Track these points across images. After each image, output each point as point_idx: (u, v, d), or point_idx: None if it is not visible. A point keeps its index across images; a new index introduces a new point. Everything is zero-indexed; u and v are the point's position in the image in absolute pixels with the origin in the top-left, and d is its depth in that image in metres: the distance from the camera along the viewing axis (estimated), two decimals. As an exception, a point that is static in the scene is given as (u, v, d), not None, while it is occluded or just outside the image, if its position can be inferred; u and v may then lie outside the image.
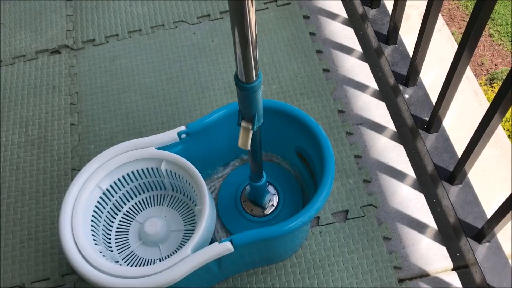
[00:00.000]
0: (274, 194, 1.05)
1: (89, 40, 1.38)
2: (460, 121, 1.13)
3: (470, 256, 0.93)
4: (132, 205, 1.01)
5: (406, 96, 1.11)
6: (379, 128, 1.15)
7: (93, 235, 0.88)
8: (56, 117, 1.25)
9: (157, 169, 0.95)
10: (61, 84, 1.31)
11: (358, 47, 1.29)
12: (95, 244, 0.87)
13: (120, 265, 0.92)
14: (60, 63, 1.34)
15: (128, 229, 0.99)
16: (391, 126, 1.15)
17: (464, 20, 2.54)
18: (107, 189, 0.93)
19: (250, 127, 0.74)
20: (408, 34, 1.25)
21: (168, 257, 0.92)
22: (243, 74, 0.66)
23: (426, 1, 0.95)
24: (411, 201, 1.05)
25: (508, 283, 0.89)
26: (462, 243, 0.96)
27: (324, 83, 1.23)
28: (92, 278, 0.79)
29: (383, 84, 1.21)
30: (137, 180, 0.97)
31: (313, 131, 0.91)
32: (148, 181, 0.99)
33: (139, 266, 0.94)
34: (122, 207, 1.00)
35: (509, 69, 0.93)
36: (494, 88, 2.29)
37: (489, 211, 0.90)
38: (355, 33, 1.31)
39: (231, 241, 0.80)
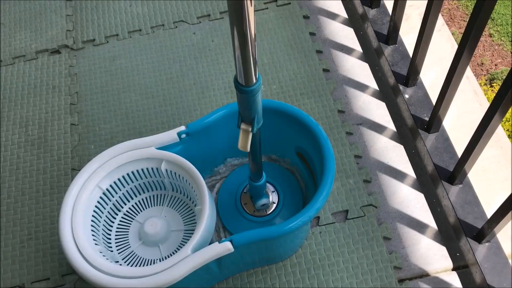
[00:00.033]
0: (273, 191, 1.05)
1: (89, 40, 1.38)
2: (460, 121, 1.13)
3: (470, 256, 0.93)
4: (132, 205, 1.01)
5: (406, 96, 1.11)
6: (379, 128, 1.15)
7: (93, 235, 0.88)
8: (56, 117, 1.25)
9: (157, 169, 0.95)
10: (61, 84, 1.31)
11: (358, 47, 1.29)
12: (95, 244, 0.87)
13: (120, 265, 0.92)
14: (60, 63, 1.34)
15: (128, 229, 0.99)
16: (391, 126, 1.16)
17: (464, 20, 2.54)
18: (107, 189, 0.93)
19: (250, 129, 0.74)
20: (408, 34, 1.25)
21: (168, 257, 0.92)
22: (242, 78, 0.66)
23: (426, 1, 0.95)
24: (411, 201, 1.05)
25: (508, 283, 0.89)
26: (462, 243, 0.96)
27: (324, 83, 1.23)
28: (92, 278, 0.79)
29: (383, 84, 1.21)
30: (137, 180, 0.97)
31: (313, 131, 0.91)
32: (148, 181, 0.99)
33: (139, 266, 0.94)
34: (122, 207, 1.00)
35: (509, 69, 0.93)
36: (494, 88, 2.29)
37: (489, 211, 0.90)
38: (355, 33, 1.31)
39: (231, 241, 0.80)
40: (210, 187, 1.08)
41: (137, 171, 0.95)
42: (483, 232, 0.91)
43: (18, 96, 1.30)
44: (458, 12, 2.57)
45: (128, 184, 0.97)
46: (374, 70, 1.24)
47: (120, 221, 0.99)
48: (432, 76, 1.19)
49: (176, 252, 0.94)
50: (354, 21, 1.34)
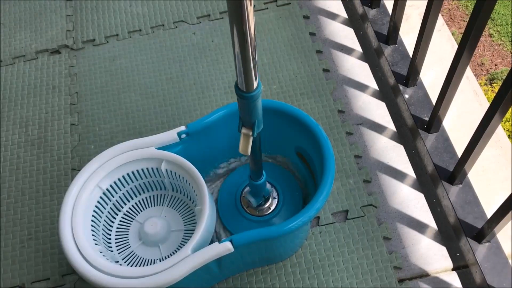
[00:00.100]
0: (274, 198, 1.05)
1: (89, 40, 1.38)
2: (460, 121, 1.13)
3: (470, 256, 0.93)
4: (132, 205, 1.01)
5: (406, 96, 1.11)
6: (379, 128, 1.15)
7: (93, 235, 0.88)
8: (56, 117, 1.25)
9: (157, 169, 0.95)
10: (61, 84, 1.31)
11: (358, 47, 1.29)
12: (95, 244, 0.87)
13: (120, 265, 0.92)
14: (60, 63, 1.34)
15: (128, 229, 0.99)
16: (391, 126, 1.16)
17: (464, 20, 2.54)
18: (107, 189, 0.93)
19: (250, 133, 0.75)
20: (408, 34, 1.25)
21: (168, 257, 0.92)
22: (243, 84, 0.67)
23: (426, 1, 0.95)
24: (411, 201, 1.05)
25: (508, 283, 0.89)
26: (462, 243, 0.96)
27: (324, 83, 1.23)
28: (92, 278, 0.79)
29: (383, 84, 1.21)
30: (137, 180, 0.97)
31: (313, 131, 0.91)
32: (148, 181, 0.99)
33: (139, 266, 0.94)
34: (122, 207, 1.00)
35: (509, 69, 0.93)
36: (494, 88, 2.29)
37: (489, 211, 0.90)
38: (355, 33, 1.31)
39: (231, 241, 0.80)
40: (210, 187, 1.08)
41: (137, 171, 0.95)
42: (483, 232, 0.91)
43: (18, 96, 1.30)
44: (458, 12, 2.57)
45: (128, 184, 0.97)
46: (374, 70, 1.24)
47: (120, 221, 0.99)
48: (432, 76, 1.19)
49: (176, 252, 0.94)
50: (354, 21, 1.34)
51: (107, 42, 1.37)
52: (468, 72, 1.22)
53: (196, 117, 1.21)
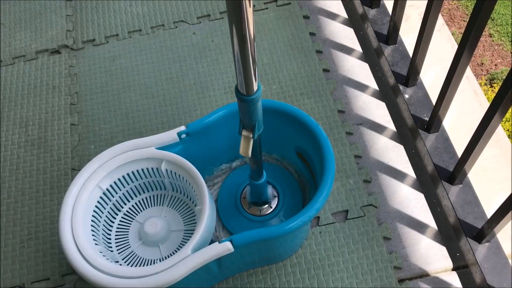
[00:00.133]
0: (275, 197, 1.05)
1: (89, 40, 1.38)
2: (460, 121, 1.13)
3: (470, 256, 0.93)
4: (132, 205, 1.01)
5: (406, 96, 1.11)
6: (379, 128, 1.15)
7: (93, 235, 0.88)
8: (56, 117, 1.25)
9: (157, 169, 0.95)
10: (61, 84, 1.31)
11: (358, 47, 1.29)
12: (95, 244, 0.87)
13: (120, 265, 0.92)
14: (60, 63, 1.34)
15: (128, 229, 0.99)
16: (391, 126, 1.16)
17: (464, 20, 2.53)
18: (107, 189, 0.93)
19: (251, 135, 0.76)
20: (408, 34, 1.25)
21: (168, 257, 0.92)
22: (243, 87, 0.68)
23: (426, 1, 0.95)
24: (411, 201, 1.05)
25: (508, 283, 0.89)
26: (462, 243, 0.96)
27: (324, 83, 1.23)
28: (92, 278, 0.79)
29: (383, 84, 1.21)
30: (137, 180, 0.97)
31: (313, 131, 0.91)
32: (148, 181, 0.99)
33: (139, 266, 0.94)
34: (122, 207, 1.00)
35: (509, 69, 0.93)
36: (494, 88, 2.29)
37: (489, 211, 0.90)
38: (355, 33, 1.31)
39: (231, 241, 0.80)
40: (210, 187, 1.08)
41: (137, 171, 0.95)
42: (483, 232, 0.91)
43: (18, 96, 1.30)
44: (458, 12, 2.57)
45: (128, 184, 0.97)
46: (374, 70, 1.24)
47: (120, 221, 0.99)
48: (432, 76, 1.19)
49: (176, 252, 0.94)
50: (354, 21, 1.34)
51: (107, 42, 1.37)
52: (468, 72, 1.22)
53: (196, 117, 1.21)
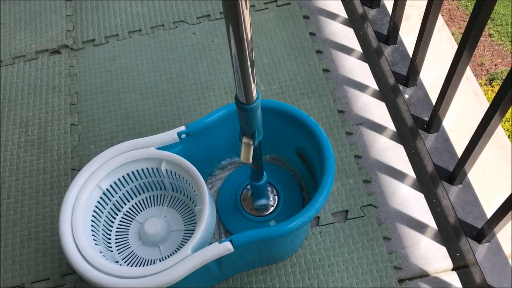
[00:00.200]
0: (275, 194, 1.05)
1: (89, 40, 1.38)
2: (460, 121, 1.13)
3: (470, 256, 0.93)
4: (132, 205, 1.01)
5: (406, 96, 1.11)
6: (379, 128, 1.15)
7: (93, 235, 0.88)
8: (56, 117, 1.25)
9: (157, 169, 0.95)
10: (61, 84, 1.31)
11: (358, 47, 1.29)
12: (95, 244, 0.87)
13: (120, 265, 0.92)
14: (60, 63, 1.34)
15: (128, 229, 0.99)
16: (391, 126, 1.16)
17: (464, 20, 2.53)
18: (107, 189, 0.93)
19: (251, 142, 0.77)
20: (408, 34, 1.25)
21: (168, 257, 0.92)
22: (243, 96, 0.69)
23: (426, 1, 0.95)
24: (411, 201, 1.05)
25: (508, 283, 0.88)
26: (462, 243, 0.96)
27: (324, 83, 1.23)
28: (92, 278, 0.79)
29: (383, 84, 1.21)
30: (137, 180, 0.97)
31: (313, 131, 0.91)
32: (148, 181, 0.99)
33: (139, 266, 0.94)
34: (122, 207, 1.00)
35: (509, 69, 0.93)
36: (494, 88, 2.29)
37: (489, 211, 0.90)
38: (355, 33, 1.31)
39: (231, 241, 0.80)
40: (210, 187, 1.08)
41: (137, 171, 0.95)
42: (483, 232, 0.91)
43: (18, 96, 1.30)
44: (458, 12, 2.57)
45: (128, 184, 0.97)
46: (374, 70, 1.24)
47: (120, 221, 0.99)
48: (432, 76, 1.19)
49: (176, 252, 0.94)
50: (354, 21, 1.34)
51: (107, 42, 1.37)
52: (468, 72, 1.22)
53: (196, 117, 1.21)
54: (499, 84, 2.31)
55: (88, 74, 1.32)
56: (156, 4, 1.42)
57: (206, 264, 0.80)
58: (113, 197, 0.96)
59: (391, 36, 1.17)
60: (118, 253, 0.95)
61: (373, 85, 1.22)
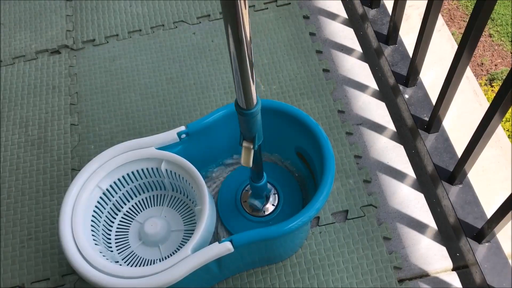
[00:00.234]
0: (274, 193, 1.05)
1: (89, 40, 1.38)
2: (460, 121, 1.13)
3: (470, 256, 0.93)
4: (132, 205, 1.01)
5: (406, 96, 1.11)
6: (379, 128, 1.15)
7: (93, 235, 0.88)
8: (56, 117, 1.25)
9: (157, 169, 0.95)
10: (61, 84, 1.31)
11: (358, 47, 1.29)
12: (95, 244, 0.87)
13: (120, 265, 0.92)
14: (60, 63, 1.34)
15: (128, 229, 0.99)
16: (391, 126, 1.16)
17: (464, 20, 2.53)
18: (107, 189, 0.93)
19: (251, 146, 0.77)
20: (408, 34, 1.25)
21: (168, 257, 0.92)
22: (243, 102, 0.69)
23: (426, 1, 0.95)
24: (411, 201, 1.05)
25: (508, 283, 0.88)
26: (462, 243, 0.96)
27: (324, 83, 1.23)
28: (92, 278, 0.79)
29: (383, 84, 1.21)
30: (137, 180, 0.97)
31: (313, 131, 0.91)
32: (148, 181, 0.99)
33: (139, 266, 0.94)
34: (122, 207, 1.00)
35: (509, 69, 0.93)
36: (494, 88, 2.29)
37: (489, 211, 0.90)
38: (355, 33, 1.31)
39: (231, 241, 0.80)
40: (210, 187, 1.08)
41: (137, 171, 0.95)
42: (483, 232, 0.91)
43: (18, 96, 1.30)
44: (458, 12, 2.57)
45: (128, 184, 0.97)
46: (374, 70, 1.24)
47: (120, 221, 0.99)
48: (432, 76, 1.19)
49: (176, 252, 0.94)
50: (354, 21, 1.34)
51: (107, 42, 1.37)
52: (468, 72, 1.22)
53: (196, 117, 1.21)
54: (499, 84, 2.31)
55: (88, 74, 1.32)
56: (156, 4, 1.42)
57: (206, 264, 0.80)
58: (113, 197, 0.96)
59: (391, 36, 1.17)
60: (118, 253, 0.95)
61: (373, 85, 1.22)
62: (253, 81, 0.66)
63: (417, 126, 1.07)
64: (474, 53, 0.99)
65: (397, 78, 1.14)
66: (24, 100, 1.29)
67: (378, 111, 1.18)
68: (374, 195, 1.06)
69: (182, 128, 0.92)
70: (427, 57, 1.05)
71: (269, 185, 1.04)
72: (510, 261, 0.91)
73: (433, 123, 1.03)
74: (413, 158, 1.10)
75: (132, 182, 0.97)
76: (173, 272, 0.78)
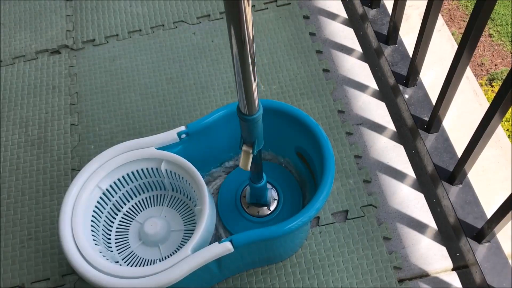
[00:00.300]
0: (275, 199, 1.05)
1: (89, 40, 1.38)
2: (460, 121, 1.13)
3: (470, 256, 0.93)
4: (132, 205, 1.01)
5: (406, 96, 1.11)
6: (379, 128, 1.15)
7: (93, 235, 0.88)
8: (56, 117, 1.25)
9: (157, 169, 0.95)
10: (61, 84, 1.31)
11: (358, 47, 1.29)
12: (95, 244, 0.87)
13: (120, 265, 0.92)
14: (60, 63, 1.34)
15: (128, 229, 0.99)
16: (391, 126, 1.16)
17: (464, 20, 2.53)
18: (107, 189, 0.93)
19: (251, 151, 0.78)
20: (408, 34, 1.25)
21: (168, 257, 0.92)
22: (246, 108, 0.70)
23: (426, 1, 0.95)
24: (411, 201, 1.05)
25: (508, 283, 0.88)
26: (462, 243, 0.96)
27: (324, 83, 1.23)
28: (92, 278, 0.79)
29: (383, 84, 1.21)
30: (137, 180, 0.97)
31: (313, 131, 0.91)
32: (148, 181, 0.99)
33: (139, 266, 0.94)
34: (122, 207, 1.00)
35: (509, 69, 0.93)
36: (494, 88, 2.29)
37: (489, 211, 0.90)
38: (355, 33, 1.31)
39: (231, 241, 0.80)
40: (210, 187, 1.08)
41: (137, 171, 0.95)
42: (483, 232, 0.91)
43: (18, 96, 1.30)
44: (458, 12, 2.57)
45: (128, 184, 0.97)
46: (374, 70, 1.24)
47: (120, 221, 0.99)
48: (432, 76, 1.19)
49: (176, 252, 0.94)
50: (354, 21, 1.34)
51: (107, 42, 1.37)
52: (468, 72, 1.22)
53: (196, 117, 1.21)
54: (499, 84, 2.31)
55: (88, 74, 1.32)
56: (156, 4, 1.42)
57: (206, 264, 0.80)
58: (113, 197, 0.96)
59: (391, 36, 1.17)
60: (118, 253, 0.95)
61: (373, 85, 1.22)
62: (255, 88, 0.66)
63: (417, 126, 1.07)
64: (474, 53, 0.99)
65: (397, 78, 1.14)
66: (24, 100, 1.29)
67: (378, 111, 1.18)
68: (374, 195, 1.06)
69: (182, 128, 0.92)
70: (427, 57, 1.05)
71: (269, 195, 1.03)
72: (510, 261, 0.91)
73: (433, 123, 1.03)
74: (413, 158, 1.10)
75: (132, 182, 0.97)
76: (173, 272, 0.78)
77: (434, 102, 1.04)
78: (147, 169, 0.95)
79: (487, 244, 0.92)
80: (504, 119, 2.16)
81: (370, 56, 1.27)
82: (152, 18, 1.39)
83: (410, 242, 1.01)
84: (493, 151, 1.09)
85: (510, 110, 0.93)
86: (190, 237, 0.89)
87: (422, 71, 1.09)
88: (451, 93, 0.94)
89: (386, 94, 1.20)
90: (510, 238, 0.95)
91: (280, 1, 1.38)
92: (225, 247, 0.79)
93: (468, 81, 1.19)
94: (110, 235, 0.97)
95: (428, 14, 0.95)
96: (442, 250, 0.99)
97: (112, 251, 0.94)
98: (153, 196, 1.03)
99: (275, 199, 1.04)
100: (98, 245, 0.88)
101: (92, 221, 0.90)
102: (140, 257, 0.95)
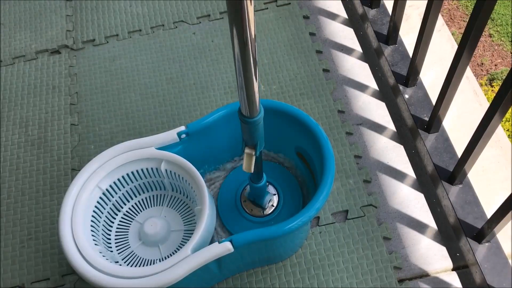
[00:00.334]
0: (274, 195, 1.05)
1: (89, 40, 1.38)
2: (460, 121, 1.13)
3: (470, 256, 0.93)
4: (132, 205, 1.01)
5: (406, 96, 1.11)
6: (379, 128, 1.15)
7: (93, 235, 0.88)
8: (56, 117, 1.25)
9: (157, 169, 0.95)
10: (61, 84, 1.31)
11: (358, 47, 1.29)
12: (95, 244, 0.87)
13: (120, 265, 0.92)
14: (60, 63, 1.34)
15: (128, 229, 0.99)
16: (391, 126, 1.15)
17: (464, 20, 2.53)
18: (107, 189, 0.93)
19: (253, 153, 0.78)
20: (408, 34, 1.25)
21: (168, 257, 0.92)
22: (247, 111, 0.71)
23: (426, 1, 0.95)
24: (411, 201, 1.05)
25: (508, 283, 0.88)
26: (462, 243, 0.96)
27: (324, 83, 1.23)
28: (92, 278, 0.79)
29: (383, 84, 1.21)
30: (137, 180, 0.97)
31: (313, 131, 0.91)
32: (148, 181, 0.99)
33: (139, 266, 0.94)
34: (122, 207, 1.00)
35: (509, 69, 0.93)
36: (494, 88, 2.29)
37: (489, 211, 0.90)
38: (355, 33, 1.31)
39: (231, 241, 0.80)
40: (210, 187, 1.08)
41: (137, 171, 0.95)
42: (483, 232, 0.91)
43: (18, 96, 1.30)
44: (458, 12, 2.57)
45: (128, 184, 0.97)
46: (374, 70, 1.24)
47: (120, 221, 0.99)
48: (432, 76, 1.19)
49: (176, 252, 0.94)
50: (354, 21, 1.34)
51: (107, 42, 1.37)
52: (468, 72, 1.22)
53: (196, 117, 1.21)
54: (499, 84, 2.31)
55: (88, 74, 1.32)
56: (156, 4, 1.42)
57: (206, 264, 0.80)
58: (113, 197, 0.96)
59: (391, 36, 1.17)
60: (118, 253, 0.95)
61: (373, 85, 1.22)
62: (257, 89, 0.67)
63: (417, 126, 1.07)
64: (474, 53, 0.99)
65: (397, 78, 1.14)
66: (24, 100, 1.29)
67: (378, 111, 1.18)
68: (374, 195, 1.06)
69: (182, 128, 0.92)
70: (427, 57, 1.05)
71: (267, 199, 1.03)
72: (510, 261, 0.91)
73: (433, 123, 1.03)
74: (413, 158, 1.10)
75: (132, 182, 0.97)
76: (173, 272, 0.78)
77: (434, 102, 1.04)
78: (147, 169, 0.95)
79: (487, 244, 0.92)
80: (504, 119, 2.16)
81: (370, 56, 1.27)
82: (152, 18, 1.39)
83: (410, 242, 1.01)
84: (493, 151, 1.09)
85: (510, 110, 0.93)
86: (190, 237, 0.89)
87: (422, 71, 1.09)
88: (451, 93, 0.94)
89: (386, 94, 1.20)
90: (510, 238, 0.95)
91: (280, 1, 1.38)
92: (225, 247, 0.79)
93: (468, 81, 1.19)
94: (110, 235, 0.97)
95: (428, 14, 0.95)
96: (442, 250, 0.99)
97: (112, 251, 0.94)
98: (153, 196, 1.03)
99: (273, 206, 1.04)
100: (98, 245, 0.88)
101: (92, 221, 0.90)
102: (140, 257, 0.95)
